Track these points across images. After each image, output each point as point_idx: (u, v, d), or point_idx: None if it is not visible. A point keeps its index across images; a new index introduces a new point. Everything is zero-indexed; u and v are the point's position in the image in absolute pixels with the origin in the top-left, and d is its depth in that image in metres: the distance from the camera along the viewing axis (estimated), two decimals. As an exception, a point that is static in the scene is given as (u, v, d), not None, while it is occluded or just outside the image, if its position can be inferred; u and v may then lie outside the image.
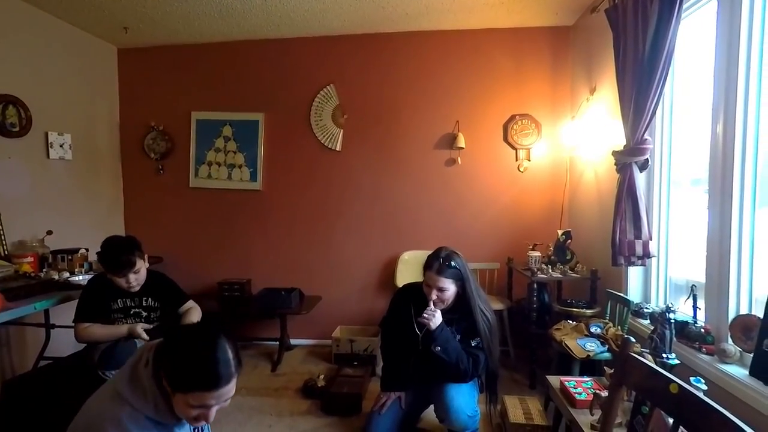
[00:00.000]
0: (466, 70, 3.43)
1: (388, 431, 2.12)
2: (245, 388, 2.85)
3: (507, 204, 3.46)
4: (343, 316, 3.55)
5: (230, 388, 1.10)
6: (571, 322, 2.42)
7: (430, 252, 2.08)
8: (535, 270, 2.75)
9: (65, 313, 2.59)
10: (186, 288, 2.46)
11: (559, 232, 2.91)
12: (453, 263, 1.99)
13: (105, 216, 3.60)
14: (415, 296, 2.09)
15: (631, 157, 2.19)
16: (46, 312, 2.77)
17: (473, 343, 2.00)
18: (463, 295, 2.02)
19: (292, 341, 3.58)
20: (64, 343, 2.80)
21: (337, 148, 3.54)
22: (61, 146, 3.17)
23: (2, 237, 2.71)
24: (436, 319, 1.96)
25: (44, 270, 2.72)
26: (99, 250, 2.14)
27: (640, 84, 2.07)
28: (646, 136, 2.15)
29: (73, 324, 2.13)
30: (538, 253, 2.90)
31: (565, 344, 2.20)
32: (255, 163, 3.61)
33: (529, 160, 3.40)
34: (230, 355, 1.10)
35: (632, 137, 2.17)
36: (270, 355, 3.37)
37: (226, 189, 3.66)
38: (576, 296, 2.82)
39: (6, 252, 2.72)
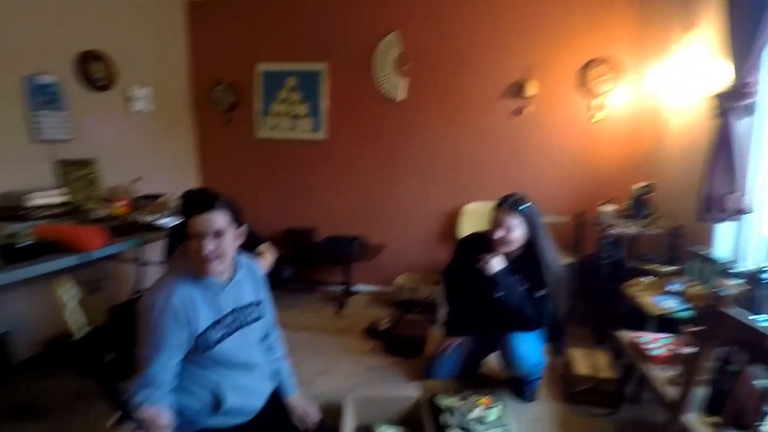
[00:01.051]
0: (540, 13, 3.19)
1: (450, 374, 2.20)
2: (312, 326, 3.05)
3: (578, 155, 3.28)
4: (405, 264, 3.63)
5: (212, 217, 1.30)
6: (646, 279, 2.31)
7: (493, 204, 2.06)
8: (608, 224, 2.62)
9: (151, 250, 2.93)
10: (255, 234, 2.61)
11: (638, 185, 2.72)
12: (525, 205, 1.96)
13: (181, 165, 3.84)
14: (481, 244, 2.08)
15: (735, 102, 1.96)
16: (137, 250, 3.06)
17: (543, 293, 1.98)
18: (532, 242, 1.99)
19: (356, 287, 3.74)
20: (153, 279, 3.10)
21: (400, 98, 3.48)
22: (142, 99, 3.36)
23: (100, 182, 2.99)
24: (492, 263, 1.96)
25: (134, 213, 2.99)
26: (179, 197, 2.29)
27: (759, 14, 1.80)
28: (755, 77, 1.90)
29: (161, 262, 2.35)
30: (611, 207, 2.75)
31: (639, 301, 2.12)
32: (318, 114, 3.64)
33: (606, 108, 3.16)
34: (215, 195, 1.35)
35: (740, 78, 1.92)
36: (334, 299, 3.54)
37: (290, 139, 3.74)
38: (653, 253, 2.67)
39: (102, 196, 3.00)
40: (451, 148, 3.48)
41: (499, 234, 1.96)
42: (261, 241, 2.50)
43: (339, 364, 2.55)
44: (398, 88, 3.46)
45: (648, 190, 2.70)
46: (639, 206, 2.71)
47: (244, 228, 1.43)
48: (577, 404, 2.12)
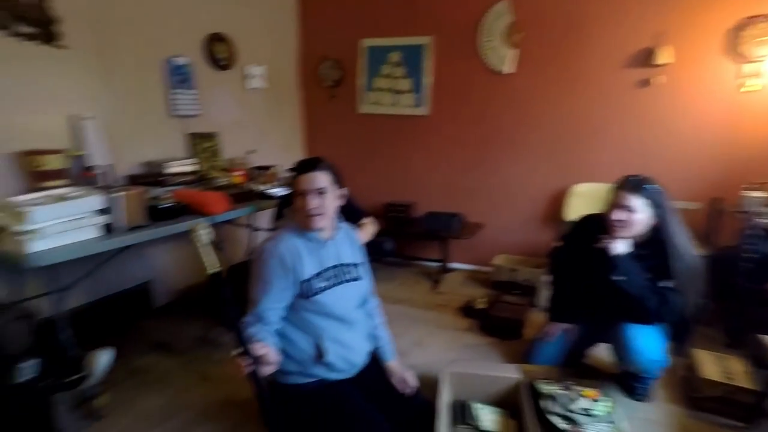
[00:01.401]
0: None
1: (553, 361, 2.09)
2: (408, 300, 3.09)
3: (719, 132, 2.83)
4: (504, 244, 3.50)
5: (316, 176, 1.43)
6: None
7: (607, 185, 1.86)
8: (755, 213, 2.24)
9: (262, 217, 3.16)
10: (356, 208, 2.68)
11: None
12: (650, 186, 1.76)
13: (289, 138, 4.07)
14: (597, 226, 1.89)
15: None
16: (250, 217, 3.34)
17: (670, 285, 1.75)
18: (660, 228, 1.77)
19: (452, 264, 3.70)
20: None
21: (508, 70, 3.28)
22: (257, 77, 3.60)
23: (221, 153, 3.30)
24: (616, 244, 1.77)
25: (249, 182, 3.25)
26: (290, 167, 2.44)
27: None
28: None
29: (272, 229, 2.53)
30: (761, 194, 2.35)
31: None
32: (420, 89, 3.59)
33: (760, 77, 2.66)
34: (319, 158, 1.49)
35: None
36: (431, 274, 3.55)
37: (393, 114, 3.75)
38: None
39: (222, 166, 3.31)
40: (562, 124, 3.22)
41: (618, 215, 1.77)
42: (364, 214, 2.58)
43: (434, 338, 2.56)
44: (506, 60, 3.27)
45: (813, 173, 2.25)
46: (798, 193, 2.27)
47: (344, 191, 1.54)
48: (702, 411, 1.88)
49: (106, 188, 1.93)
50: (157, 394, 2.06)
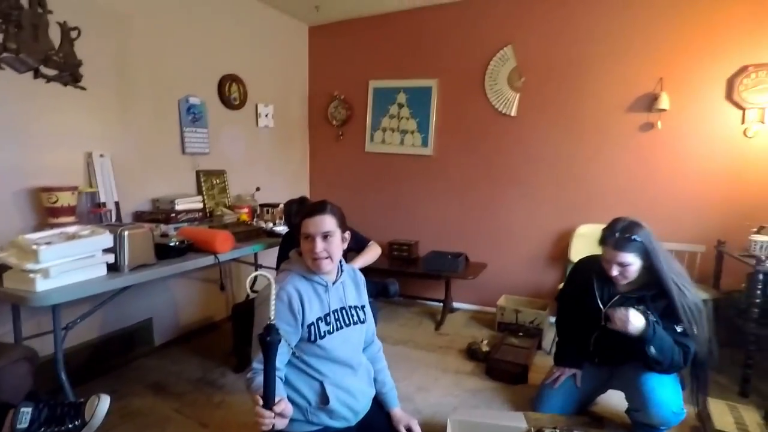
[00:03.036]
0: (677, 18, 2.88)
1: (561, 408, 2.02)
2: (411, 341, 3.05)
3: (722, 177, 2.87)
4: (508, 284, 3.48)
5: (323, 220, 1.45)
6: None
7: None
8: (763, 258, 2.24)
9: (269, 256, 3.13)
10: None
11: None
12: (633, 236, 1.73)
13: (295, 176, 4.14)
14: (599, 269, 1.89)
15: None
16: (255, 254, 3.35)
17: (678, 329, 1.72)
18: (651, 269, 1.76)
19: (455, 304, 3.67)
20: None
21: (512, 113, 3.37)
22: (266, 116, 3.70)
23: (228, 191, 3.35)
24: (633, 320, 1.68)
25: (255, 219, 3.28)
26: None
27: None
28: None
29: (275, 267, 2.54)
30: (766, 238, 2.35)
31: (808, 352, 1.76)
32: (427, 129, 3.68)
33: (763, 123, 2.72)
34: (325, 203, 1.51)
35: None
36: (433, 314, 3.52)
37: (398, 154, 3.83)
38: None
39: (229, 203, 3.35)
40: (565, 166, 3.28)
41: (614, 272, 1.78)
42: (366, 240, 2.59)
43: (437, 382, 2.51)
44: (511, 103, 3.37)
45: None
46: (805, 238, 2.27)
47: (348, 234, 1.56)
48: (716, 466, 1.81)
49: (114, 226, 1.95)
50: (153, 440, 2.00)
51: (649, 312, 1.76)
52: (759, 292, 2.24)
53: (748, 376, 2.30)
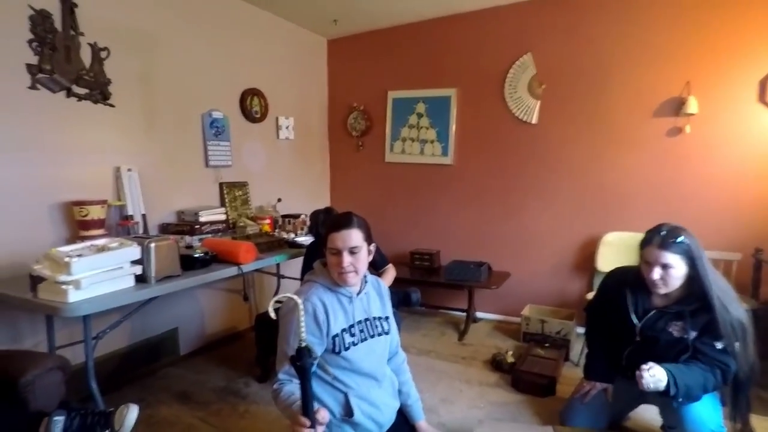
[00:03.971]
0: (702, 19, 2.81)
1: (592, 423, 1.96)
2: (434, 351, 3.01)
3: (757, 180, 2.76)
4: (532, 294, 3.41)
5: (350, 235, 1.44)
6: None
7: (639, 234, 1.79)
8: (803, 265, 2.13)
9: (291, 266, 3.16)
10: (381, 256, 2.69)
11: None
12: (680, 237, 1.66)
13: (316, 187, 4.17)
14: (632, 280, 1.83)
15: None
16: (278, 264, 3.38)
17: (719, 346, 1.64)
18: (696, 282, 1.67)
19: (478, 314, 3.61)
20: (290, 290, 3.38)
21: (533, 121, 3.34)
22: (287, 128, 3.75)
23: (250, 202, 3.40)
24: (653, 377, 1.55)
25: (276, 230, 3.32)
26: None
27: None
28: None
29: (299, 278, 2.55)
30: (806, 244, 2.24)
31: None
32: (446, 138, 3.67)
33: (803, 124, 2.62)
34: (352, 216, 1.50)
35: None
36: (456, 324, 3.47)
37: (418, 163, 3.82)
38: None
39: (252, 214, 3.40)
40: (590, 172, 3.21)
41: (656, 275, 1.68)
42: (385, 262, 2.59)
43: (462, 393, 2.46)
44: (531, 110, 3.33)
45: None
46: None
47: (373, 246, 1.55)
48: (761, 486, 1.71)
49: (141, 238, 2.00)
50: (180, 449, 2.02)
51: (685, 326, 1.70)
52: (801, 301, 2.13)
53: (792, 390, 2.19)
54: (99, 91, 2.38)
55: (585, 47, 3.14)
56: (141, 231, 2.52)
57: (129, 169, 2.52)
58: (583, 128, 3.20)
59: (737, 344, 1.61)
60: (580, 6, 3.13)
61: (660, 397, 1.76)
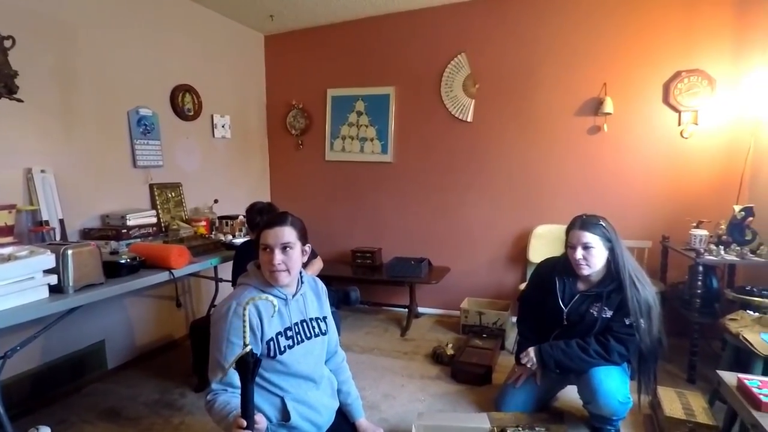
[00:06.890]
0: (617, 26, 3.06)
1: (523, 406, 2.08)
2: (376, 348, 3.04)
3: (663, 175, 3.05)
4: (470, 287, 3.54)
5: (283, 231, 1.42)
6: (751, 313, 2.06)
7: (565, 226, 2.01)
8: (702, 251, 2.38)
9: (229, 269, 3.03)
10: (322, 254, 2.74)
11: (737, 208, 2.46)
12: (599, 222, 1.91)
13: (255, 187, 4.06)
14: (560, 268, 2.01)
15: None
16: (215, 267, 3.25)
17: (627, 322, 1.84)
18: (612, 263, 1.89)
19: (420, 309, 3.69)
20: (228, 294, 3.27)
21: (468, 119, 3.46)
22: (222, 126, 3.62)
23: (184, 204, 3.24)
24: (528, 357, 2.01)
25: (213, 232, 3.19)
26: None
27: None
28: None
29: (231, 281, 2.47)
30: (704, 232, 2.51)
31: (744, 337, 1.88)
32: (386, 136, 3.71)
33: (697, 124, 2.92)
34: (287, 214, 1.49)
35: None
36: (399, 320, 3.52)
37: (358, 162, 3.84)
38: (757, 283, 2.38)
39: (186, 217, 3.25)
40: (520, 169, 3.39)
41: (578, 254, 1.89)
42: (314, 254, 2.57)
43: (403, 388, 2.51)
44: (467, 109, 3.45)
45: (747, 213, 2.43)
46: (739, 231, 2.44)
47: (308, 247, 1.53)
48: (669, 451, 1.90)
49: (57, 245, 1.85)
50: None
51: (601, 307, 1.87)
52: (699, 283, 2.38)
53: (694, 363, 2.44)
54: (3, 83, 2.16)
55: (516, 49, 3.30)
56: (58, 237, 2.32)
57: (43, 171, 2.32)
58: (514, 126, 3.36)
59: (642, 320, 1.80)
60: (511, 9, 3.28)
61: (577, 378, 1.94)
